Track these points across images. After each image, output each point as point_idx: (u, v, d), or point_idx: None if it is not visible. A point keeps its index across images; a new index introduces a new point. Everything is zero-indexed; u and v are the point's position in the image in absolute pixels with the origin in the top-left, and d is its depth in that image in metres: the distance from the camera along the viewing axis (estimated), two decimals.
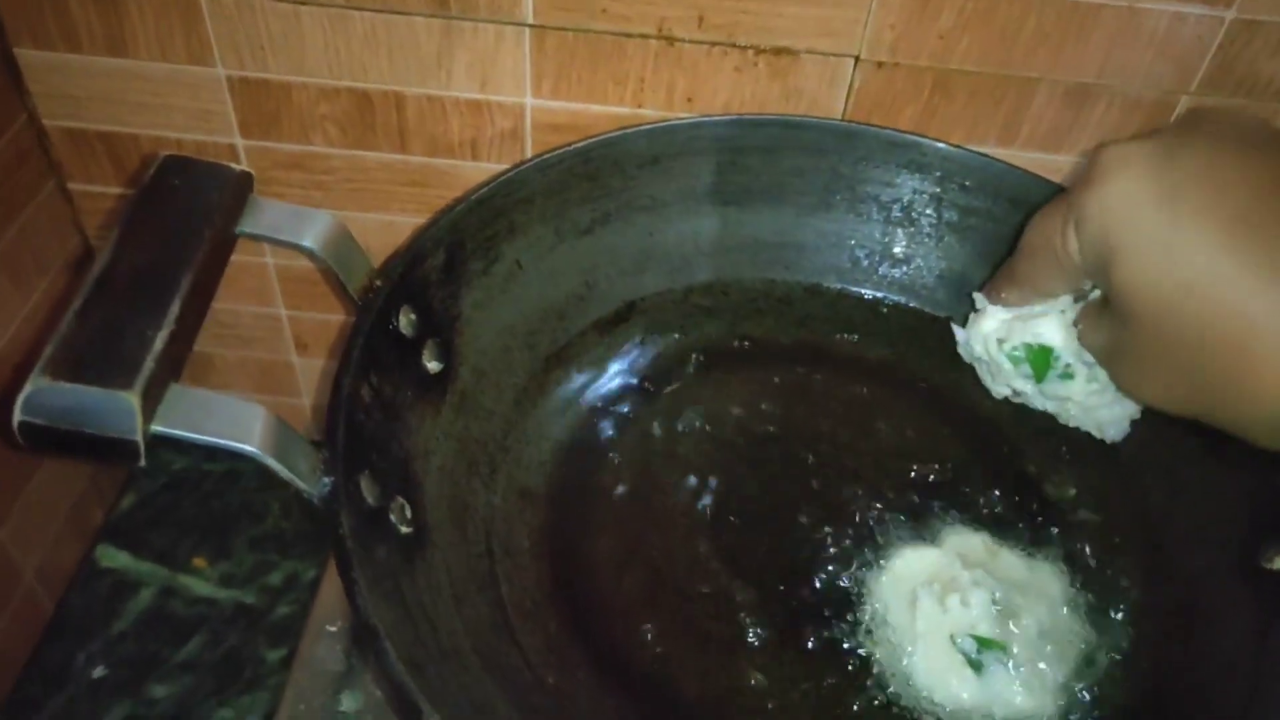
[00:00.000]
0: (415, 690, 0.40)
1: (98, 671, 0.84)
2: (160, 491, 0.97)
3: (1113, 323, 0.47)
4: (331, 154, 0.77)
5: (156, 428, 0.43)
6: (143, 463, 0.42)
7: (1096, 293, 0.51)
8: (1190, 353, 0.42)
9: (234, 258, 0.85)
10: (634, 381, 0.64)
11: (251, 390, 0.95)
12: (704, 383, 0.65)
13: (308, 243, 0.52)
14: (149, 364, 0.42)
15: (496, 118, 0.74)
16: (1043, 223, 0.49)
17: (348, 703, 0.57)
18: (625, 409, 0.63)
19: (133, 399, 0.41)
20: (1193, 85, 0.67)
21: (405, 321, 0.55)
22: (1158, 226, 0.42)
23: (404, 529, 0.50)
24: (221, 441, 0.44)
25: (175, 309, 0.44)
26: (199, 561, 0.92)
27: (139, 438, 0.41)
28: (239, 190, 0.51)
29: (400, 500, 0.51)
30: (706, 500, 0.59)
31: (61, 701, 0.83)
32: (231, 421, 0.44)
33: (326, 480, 0.46)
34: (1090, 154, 0.46)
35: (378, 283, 0.55)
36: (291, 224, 0.52)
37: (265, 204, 0.53)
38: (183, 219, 0.48)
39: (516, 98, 0.72)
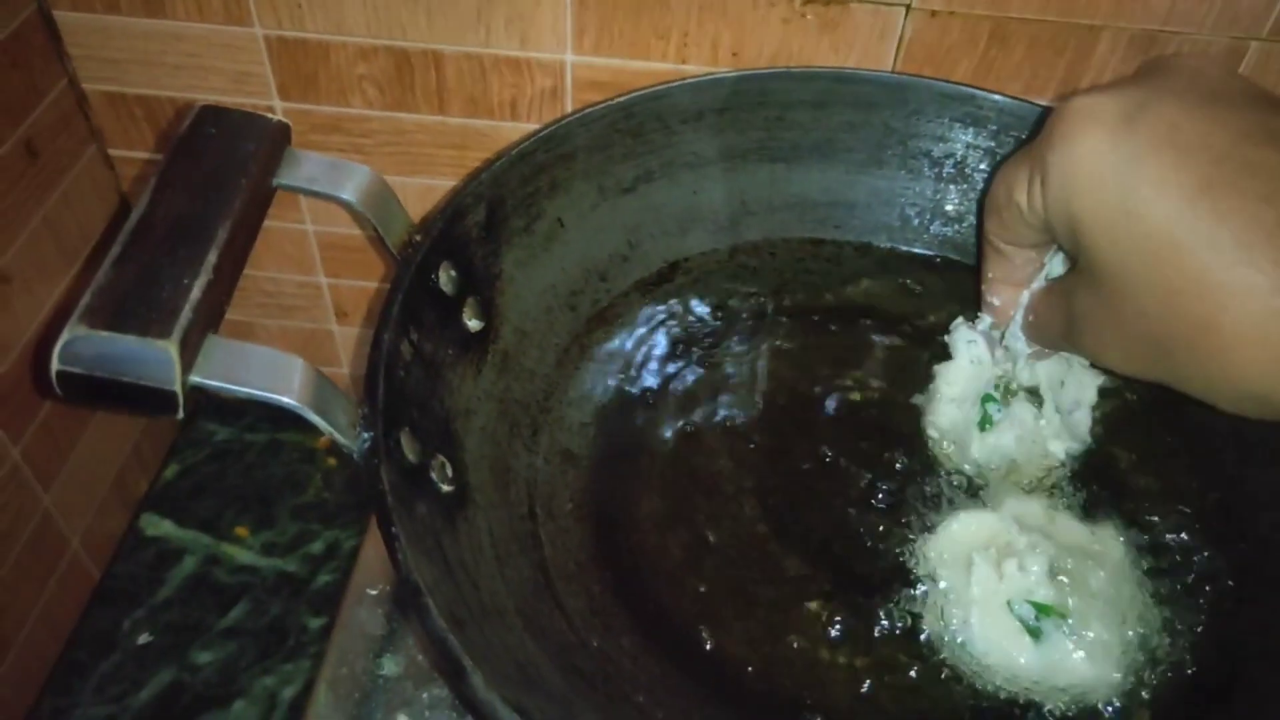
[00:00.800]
0: (457, 646, 0.39)
1: (143, 638, 0.85)
2: (204, 462, 0.97)
3: (1077, 288, 0.47)
4: (370, 116, 0.76)
5: (195, 378, 0.42)
6: (181, 414, 0.42)
7: (1042, 281, 0.53)
8: (1156, 321, 0.41)
9: (274, 224, 0.86)
10: (678, 343, 0.63)
11: None
12: (749, 344, 0.63)
13: (346, 195, 0.51)
14: (187, 313, 0.41)
15: (536, 76, 0.72)
16: (1007, 176, 0.49)
17: (389, 666, 0.56)
18: (668, 371, 0.61)
19: (170, 348, 0.40)
20: (1264, 30, 0.64)
21: (446, 278, 0.54)
22: (1121, 195, 0.41)
23: (445, 487, 0.49)
24: (260, 393, 0.43)
25: (213, 258, 0.43)
26: (241, 531, 0.92)
27: (177, 388, 0.40)
28: (276, 141, 0.50)
29: (441, 458, 0.50)
30: (752, 463, 0.57)
31: (108, 667, 0.83)
32: (270, 373, 0.43)
33: (366, 435, 0.45)
34: (1056, 105, 0.45)
35: (417, 238, 0.53)
36: (330, 176, 0.51)
37: (303, 156, 0.52)
38: (219, 168, 0.47)
39: (557, 54, 0.71)
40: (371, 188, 0.52)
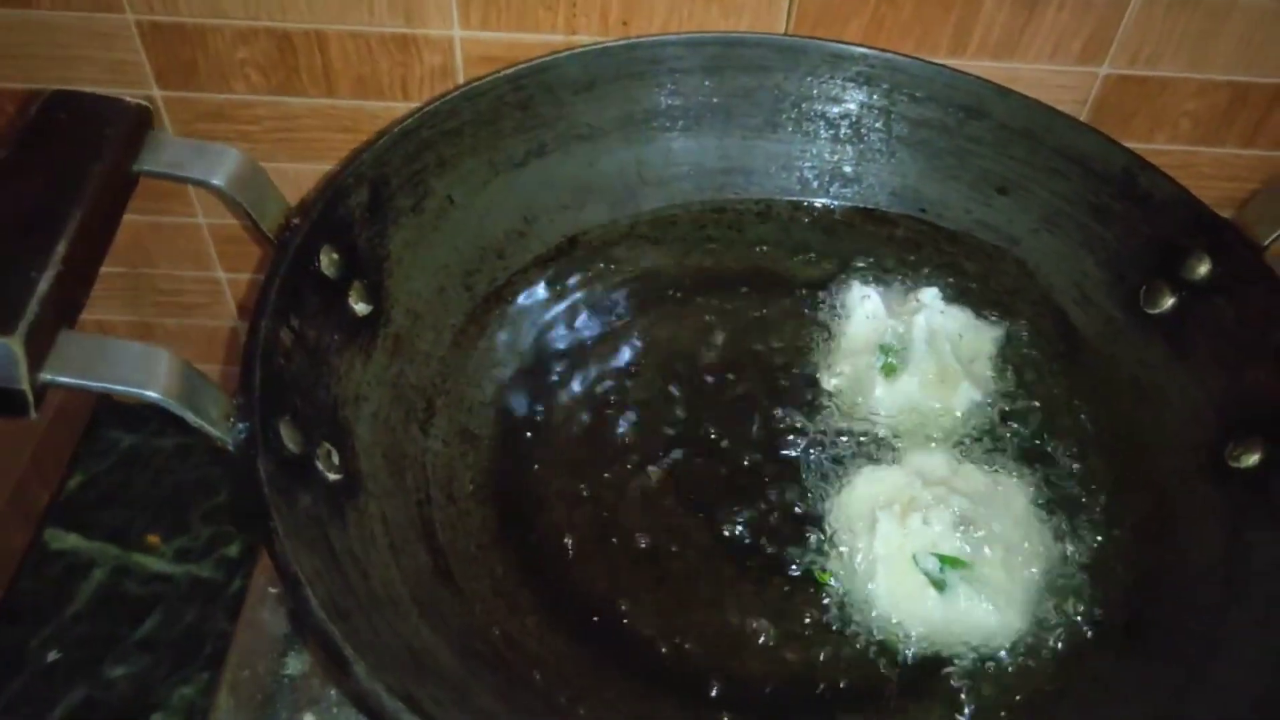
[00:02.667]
0: (338, 636, 0.37)
1: (52, 655, 0.82)
2: (109, 470, 0.94)
3: None
4: (255, 101, 0.73)
5: (47, 376, 0.40)
6: (34, 415, 0.39)
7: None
8: None
9: (165, 219, 0.83)
10: (578, 318, 0.62)
11: (196, 358, 0.92)
12: (652, 315, 0.62)
13: (215, 179, 0.49)
14: (33, 307, 0.39)
15: (425, 53, 0.70)
16: None
17: (294, 665, 0.54)
18: (570, 346, 0.60)
19: (14, 345, 0.38)
20: None
21: (328, 261, 0.52)
22: None
23: (333, 476, 0.47)
24: (122, 388, 0.41)
25: (62, 249, 0.41)
26: (152, 539, 0.89)
27: (25, 386, 0.38)
28: (136, 125, 0.48)
29: (328, 447, 0.48)
30: (658, 434, 0.57)
31: (16, 688, 0.80)
32: (132, 367, 0.41)
33: (242, 427, 0.43)
34: None
35: (295, 221, 0.51)
36: (196, 160, 0.49)
37: (168, 140, 0.49)
38: (70, 155, 0.45)
39: (444, 30, 0.69)
40: (242, 171, 0.50)
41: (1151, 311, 0.58)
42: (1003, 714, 0.47)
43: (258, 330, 0.46)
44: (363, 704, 0.37)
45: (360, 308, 0.54)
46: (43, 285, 0.40)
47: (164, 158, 0.49)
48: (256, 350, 0.45)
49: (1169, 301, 0.57)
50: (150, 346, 0.42)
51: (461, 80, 0.72)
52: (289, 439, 0.45)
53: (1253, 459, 0.50)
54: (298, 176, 0.78)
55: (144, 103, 0.48)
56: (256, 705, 0.53)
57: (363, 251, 0.55)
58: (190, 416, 0.41)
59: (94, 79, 0.72)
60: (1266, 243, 0.53)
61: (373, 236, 0.56)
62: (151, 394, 0.41)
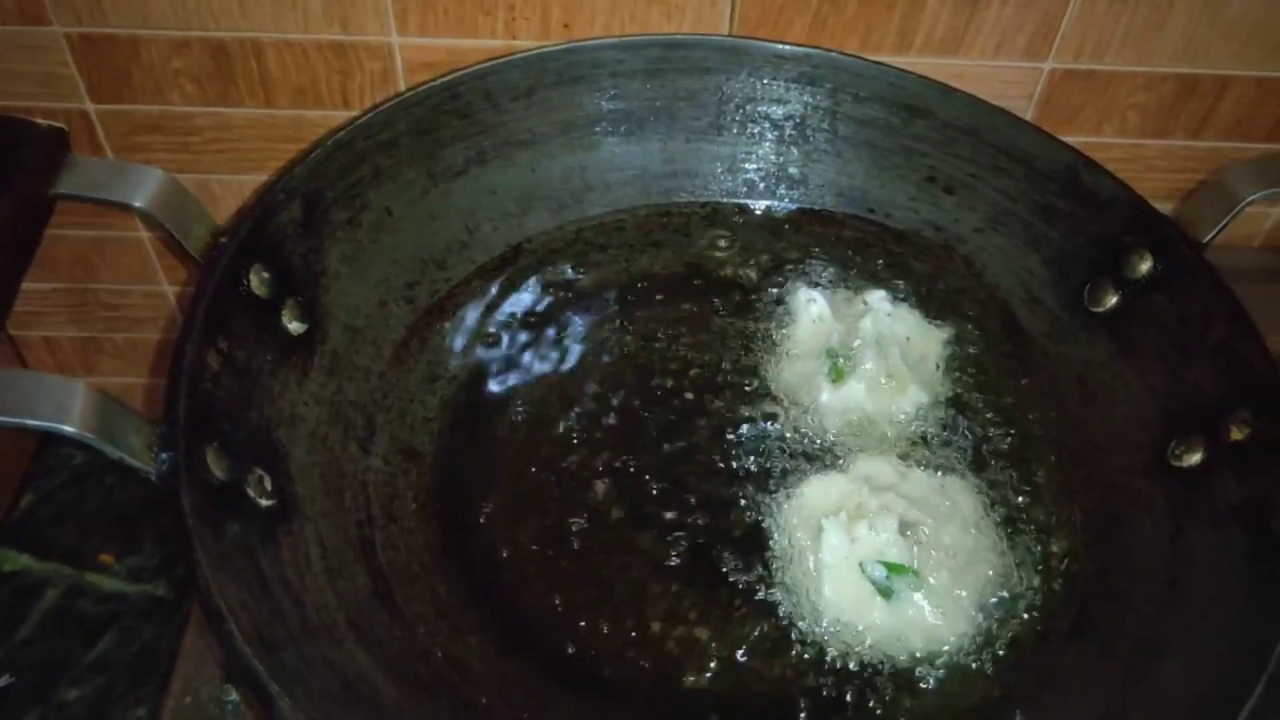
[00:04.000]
0: (262, 672, 0.36)
1: (3, 680, 0.80)
2: (60, 488, 0.92)
3: None
4: (193, 112, 0.72)
5: None
6: None
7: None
8: None
9: (108, 234, 0.81)
10: (524, 327, 0.61)
11: (144, 373, 0.91)
12: (599, 322, 0.61)
13: (137, 201, 0.48)
14: None
15: (364, 60, 0.69)
16: None
17: (236, 692, 0.53)
18: (515, 356, 0.60)
19: None
20: None
21: (258, 281, 0.51)
22: None
23: (264, 502, 0.46)
24: (35, 423, 0.40)
25: None
26: (106, 557, 0.88)
27: None
28: (51, 148, 0.47)
29: (259, 472, 0.47)
30: (604, 444, 0.56)
31: None
32: (45, 400, 0.40)
33: (164, 456, 0.42)
34: None
35: (222, 239, 0.50)
36: (117, 182, 0.48)
37: (85, 162, 0.48)
38: None
39: (382, 37, 0.68)
40: (164, 190, 0.49)
41: (1096, 310, 0.58)
42: (950, 717, 0.47)
43: (183, 355, 0.45)
44: None
45: (295, 326, 0.53)
46: None
47: (83, 180, 0.47)
48: (181, 376, 0.44)
49: (1113, 299, 0.57)
50: (65, 379, 0.41)
51: (403, 87, 0.71)
52: (216, 466, 0.44)
53: (1194, 458, 0.50)
54: (240, 188, 0.77)
55: (58, 124, 0.47)
56: None
57: (296, 268, 0.54)
58: (108, 449, 0.40)
59: (26, 93, 0.70)
60: (1206, 239, 0.53)
61: (307, 252, 0.55)
62: (67, 428, 0.40)
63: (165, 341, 0.89)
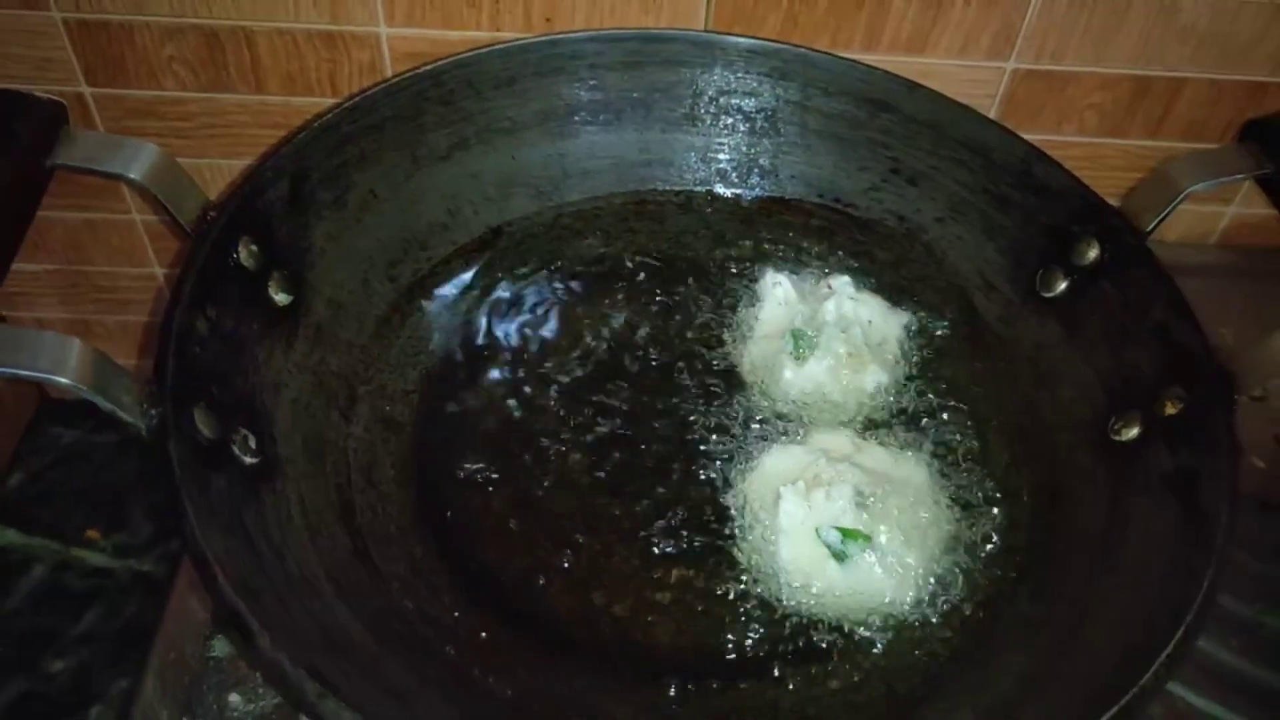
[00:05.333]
0: (245, 610, 0.39)
1: None
2: (50, 466, 0.94)
3: None
4: (185, 98, 0.74)
5: None
6: None
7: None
8: None
9: (100, 216, 0.83)
10: (502, 306, 0.63)
11: (134, 355, 0.93)
12: (573, 303, 0.64)
13: (132, 173, 0.50)
14: None
15: (353, 50, 0.71)
16: None
17: (220, 648, 0.55)
18: (493, 333, 0.62)
19: None
20: None
21: (247, 254, 0.53)
22: None
23: (249, 459, 0.49)
24: (31, 373, 0.42)
25: None
26: (93, 533, 0.90)
27: None
28: (49, 121, 0.49)
29: (244, 432, 0.49)
30: (578, 419, 0.58)
31: None
32: (44, 354, 0.42)
33: (154, 413, 0.44)
34: None
35: (213, 214, 0.53)
36: (111, 154, 0.50)
37: (82, 135, 0.50)
38: None
39: (370, 27, 0.70)
40: (158, 164, 0.51)
41: (1047, 295, 0.61)
42: (899, 674, 0.50)
43: (172, 319, 0.48)
44: (269, 676, 0.39)
45: (280, 298, 0.55)
46: None
47: (79, 152, 0.50)
48: (171, 338, 0.47)
49: (1062, 285, 0.60)
50: (63, 335, 0.43)
51: (390, 75, 0.73)
52: (203, 424, 0.46)
53: (1132, 432, 0.53)
54: (231, 172, 0.79)
55: (56, 98, 0.49)
56: (183, 688, 0.54)
57: (283, 243, 0.56)
58: (101, 401, 0.42)
59: (23, 76, 0.73)
60: (1149, 228, 0.56)
61: (294, 229, 0.57)
62: (63, 379, 0.42)
63: (155, 324, 0.91)
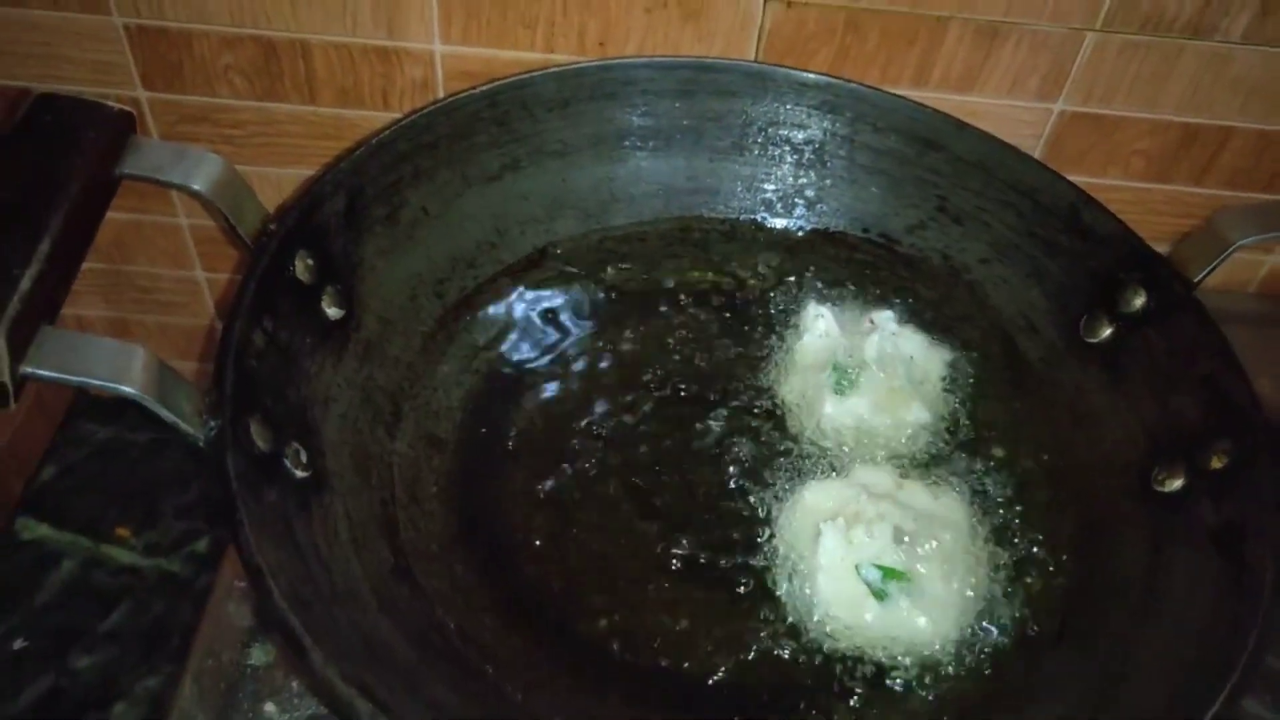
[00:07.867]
0: (297, 625, 0.39)
1: (18, 644, 0.83)
2: (83, 462, 0.95)
3: None
4: (239, 106, 0.75)
5: (27, 369, 0.41)
6: (12, 406, 0.41)
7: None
8: None
9: (146, 218, 0.84)
10: (547, 327, 0.64)
11: (172, 356, 0.94)
12: (617, 327, 0.64)
13: (196, 184, 0.51)
14: (15, 304, 0.41)
15: (406, 66, 0.72)
16: None
17: (258, 656, 0.56)
18: (538, 355, 0.62)
19: None
20: (1097, 22, 0.68)
21: (303, 267, 0.54)
22: None
23: (300, 473, 0.49)
24: (98, 382, 0.43)
25: (45, 248, 0.43)
26: (122, 531, 0.90)
27: (5, 378, 0.40)
28: (119, 129, 0.49)
29: (296, 445, 0.50)
30: (619, 442, 0.59)
31: None
32: (108, 362, 0.43)
33: (213, 424, 0.45)
34: None
35: (272, 227, 0.53)
36: (177, 165, 0.51)
37: (150, 144, 0.51)
38: (54, 157, 0.46)
39: (425, 44, 0.71)
40: (222, 176, 0.52)
41: (1091, 340, 0.61)
42: (934, 717, 0.50)
43: (232, 331, 0.48)
44: (319, 690, 0.39)
45: (333, 312, 0.56)
46: (25, 283, 0.41)
47: (146, 162, 0.50)
48: (230, 350, 0.47)
49: (1107, 331, 0.60)
50: (127, 343, 0.44)
51: (441, 93, 0.74)
52: (259, 437, 0.47)
53: (1176, 483, 0.53)
54: (279, 181, 0.80)
55: (127, 108, 0.50)
56: (220, 694, 0.54)
57: (337, 257, 0.57)
58: (164, 412, 0.43)
59: (80, 79, 0.74)
60: (1197, 279, 0.56)
61: (347, 243, 0.58)
62: (127, 389, 0.42)
63: (194, 327, 0.92)
